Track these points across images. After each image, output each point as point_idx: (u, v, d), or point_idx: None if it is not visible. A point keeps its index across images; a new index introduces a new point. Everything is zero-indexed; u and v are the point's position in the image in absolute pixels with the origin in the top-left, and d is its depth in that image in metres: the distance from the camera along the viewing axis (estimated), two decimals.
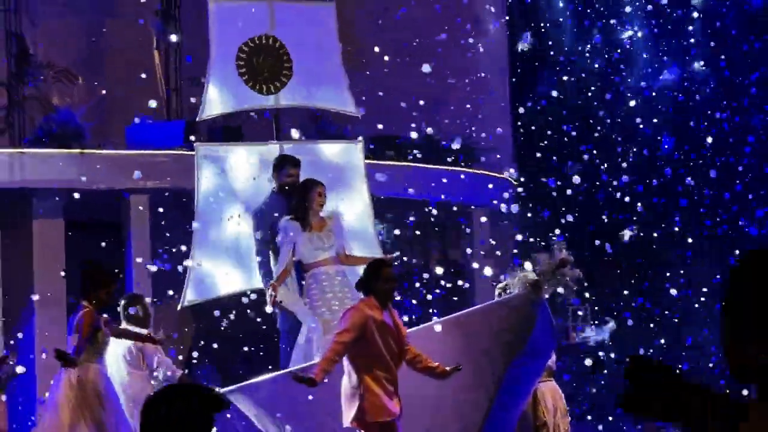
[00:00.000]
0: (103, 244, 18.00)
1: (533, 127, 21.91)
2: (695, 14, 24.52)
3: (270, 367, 15.68)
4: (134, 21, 20.16)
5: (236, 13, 17.20)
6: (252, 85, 16.72)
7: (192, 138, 17.82)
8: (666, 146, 23.18)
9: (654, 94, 23.51)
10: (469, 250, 20.14)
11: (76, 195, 17.78)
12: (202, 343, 18.44)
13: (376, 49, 19.17)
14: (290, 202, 15.59)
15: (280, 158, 16.02)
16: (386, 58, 19.41)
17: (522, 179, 20.92)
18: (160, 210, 18.08)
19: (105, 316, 14.45)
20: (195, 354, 18.20)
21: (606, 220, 21.71)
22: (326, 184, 15.63)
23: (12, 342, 17.89)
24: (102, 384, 14.09)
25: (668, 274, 22.27)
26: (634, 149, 22.68)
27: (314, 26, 17.53)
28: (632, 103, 23.66)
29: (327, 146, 17.40)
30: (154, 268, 17.99)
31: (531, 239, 18.82)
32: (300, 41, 17.12)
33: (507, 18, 22.04)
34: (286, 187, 15.72)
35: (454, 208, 19.91)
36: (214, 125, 17.88)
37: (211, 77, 16.79)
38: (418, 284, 18.76)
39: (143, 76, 19.64)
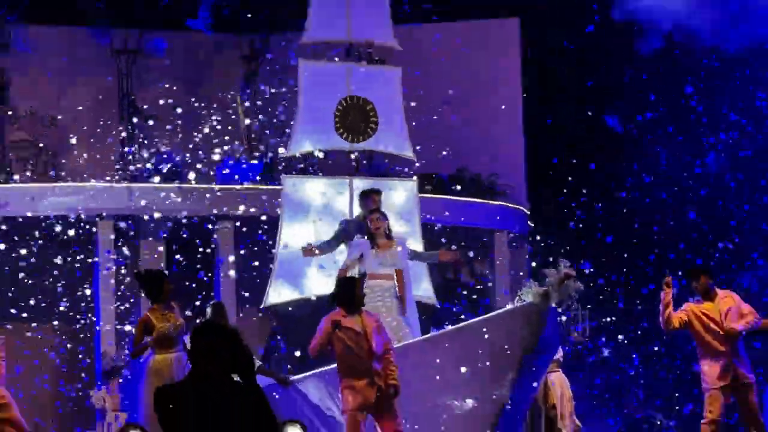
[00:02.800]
0: (197, 259, 18.97)
1: (545, 167, 21.47)
2: None
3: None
4: (223, 80, 20.98)
5: (320, 72, 17.65)
6: (347, 138, 17.23)
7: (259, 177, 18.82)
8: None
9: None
10: (491, 268, 20.52)
11: (176, 220, 18.67)
12: (274, 340, 18.82)
13: (413, 103, 19.15)
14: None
15: (366, 190, 16.35)
16: (425, 109, 19.67)
17: (535, 210, 21.25)
18: (243, 232, 18.79)
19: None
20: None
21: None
22: (389, 213, 16.20)
23: (126, 338, 18.40)
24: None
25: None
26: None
27: (383, 86, 17.87)
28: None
29: (390, 182, 17.75)
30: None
31: (543, 259, 18.64)
32: (376, 96, 17.54)
33: (522, 71, 21.69)
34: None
35: (480, 233, 20.43)
36: (287, 164, 18.57)
37: (298, 126, 17.38)
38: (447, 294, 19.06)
39: (230, 125, 20.32)
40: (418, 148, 18.34)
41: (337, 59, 18.05)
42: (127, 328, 18.57)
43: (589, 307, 19.87)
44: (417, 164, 18.70)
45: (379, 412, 12.99)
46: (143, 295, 14.52)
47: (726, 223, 21.37)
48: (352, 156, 17.84)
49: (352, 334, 12.88)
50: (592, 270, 18.67)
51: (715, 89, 22.07)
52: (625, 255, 20.75)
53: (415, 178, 18.06)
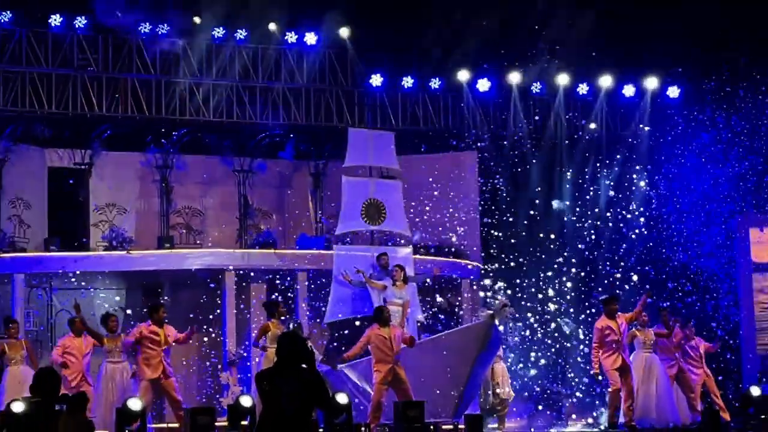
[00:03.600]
0: (285, 294, 19.65)
1: (494, 238, 21.70)
2: None
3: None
4: (300, 188, 22.24)
5: (355, 184, 18.84)
6: (368, 222, 18.58)
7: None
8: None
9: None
10: (459, 300, 20.88)
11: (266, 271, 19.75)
12: (334, 343, 19.38)
13: (415, 203, 20.63)
14: (387, 272, 17.46)
15: (379, 254, 18.00)
16: (422, 207, 20.96)
17: (485, 266, 21.50)
18: (313, 278, 19.63)
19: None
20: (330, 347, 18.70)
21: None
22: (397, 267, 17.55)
23: (242, 342, 19.16)
24: None
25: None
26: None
27: (392, 191, 18.98)
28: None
29: (396, 248, 18.96)
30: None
31: (490, 295, 20.01)
32: (386, 198, 18.73)
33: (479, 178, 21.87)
34: (383, 266, 17.69)
35: (453, 279, 20.89)
36: (338, 239, 19.03)
37: (342, 215, 18.66)
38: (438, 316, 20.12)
39: (306, 213, 22.00)
40: (418, 230, 20.02)
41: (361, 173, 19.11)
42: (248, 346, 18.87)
43: (519, 324, 20.48)
44: (415, 237, 19.89)
45: (396, 385, 14.66)
46: (267, 314, 15.99)
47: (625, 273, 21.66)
48: (374, 233, 19.18)
49: (382, 339, 14.67)
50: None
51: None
52: (543, 294, 21.24)
53: (411, 245, 19.20)
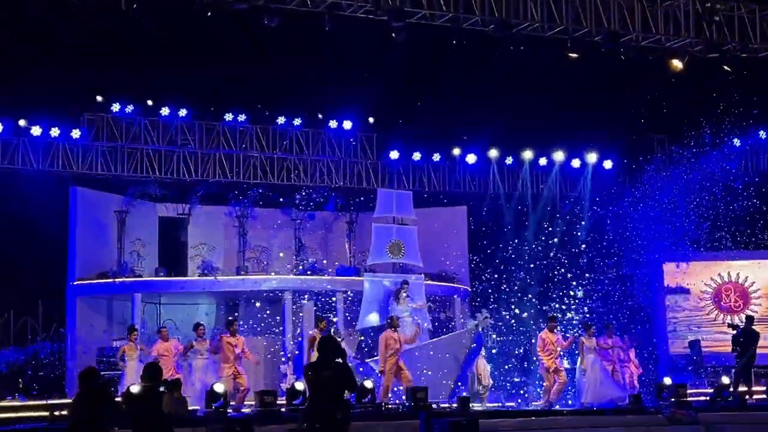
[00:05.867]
0: (326, 308, 19.28)
1: (480, 268, 21.13)
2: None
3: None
4: (338, 231, 21.75)
5: (382, 228, 18.86)
6: (391, 257, 18.59)
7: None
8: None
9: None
10: (453, 313, 20.66)
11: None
12: (363, 344, 18.80)
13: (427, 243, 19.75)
14: (399, 295, 17.79)
15: (403, 281, 18.03)
16: (430, 247, 19.97)
17: (472, 288, 21.06)
18: (348, 296, 19.35)
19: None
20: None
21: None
22: (413, 290, 17.82)
23: (295, 343, 18.36)
24: None
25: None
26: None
27: (410, 235, 18.85)
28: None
29: (413, 276, 18.82)
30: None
31: (476, 310, 19.16)
32: (405, 240, 18.66)
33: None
34: (403, 288, 17.84)
35: (448, 298, 20.74)
36: (367, 268, 19.07)
37: (371, 250, 18.88)
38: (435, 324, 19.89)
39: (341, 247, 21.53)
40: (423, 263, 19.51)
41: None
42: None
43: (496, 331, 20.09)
44: (422, 266, 19.55)
45: (398, 372, 14.83)
46: (315, 326, 15.88)
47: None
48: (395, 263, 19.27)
49: (394, 340, 14.92)
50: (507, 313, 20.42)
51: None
52: (516, 311, 20.41)
53: (422, 273, 19.27)
